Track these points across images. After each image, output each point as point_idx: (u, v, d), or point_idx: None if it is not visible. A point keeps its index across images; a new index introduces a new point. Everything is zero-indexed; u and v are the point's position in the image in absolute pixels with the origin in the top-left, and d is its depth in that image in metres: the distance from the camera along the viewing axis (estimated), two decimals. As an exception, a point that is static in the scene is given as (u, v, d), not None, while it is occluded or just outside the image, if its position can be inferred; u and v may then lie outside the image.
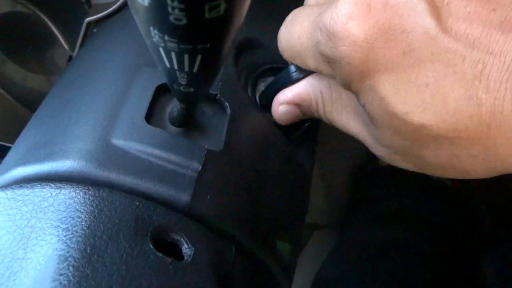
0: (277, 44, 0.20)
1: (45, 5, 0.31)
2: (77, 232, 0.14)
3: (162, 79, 0.19)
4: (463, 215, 0.45)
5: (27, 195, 0.15)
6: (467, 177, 0.16)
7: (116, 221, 0.15)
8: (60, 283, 0.12)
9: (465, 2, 0.14)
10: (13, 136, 0.21)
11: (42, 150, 0.18)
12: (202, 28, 0.11)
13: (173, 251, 0.15)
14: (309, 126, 0.24)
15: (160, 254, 0.14)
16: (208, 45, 0.12)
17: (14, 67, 0.34)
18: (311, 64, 0.18)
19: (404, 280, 0.39)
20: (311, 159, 0.25)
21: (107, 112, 0.18)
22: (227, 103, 0.20)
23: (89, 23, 0.26)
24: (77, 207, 0.15)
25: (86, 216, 0.15)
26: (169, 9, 0.10)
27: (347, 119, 0.19)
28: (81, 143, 0.17)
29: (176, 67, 0.13)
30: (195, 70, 0.13)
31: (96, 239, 0.14)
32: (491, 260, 0.41)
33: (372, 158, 0.49)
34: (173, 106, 0.19)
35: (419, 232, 0.43)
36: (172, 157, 0.17)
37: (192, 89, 0.15)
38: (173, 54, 0.12)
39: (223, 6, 0.10)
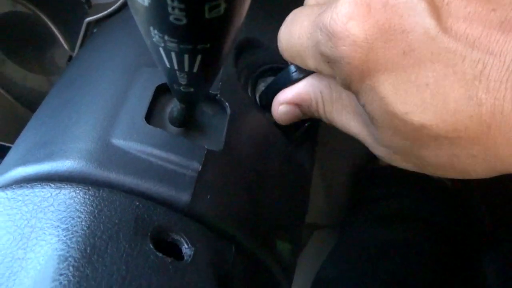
0: (277, 44, 0.20)
1: (45, 5, 0.31)
2: (77, 232, 0.14)
3: (162, 79, 0.19)
4: (463, 215, 0.45)
5: (27, 195, 0.15)
6: (467, 177, 0.16)
7: (116, 221, 0.15)
8: (60, 283, 0.12)
9: (465, 2, 0.14)
10: (13, 136, 0.21)
11: (42, 150, 0.18)
12: (202, 28, 0.11)
13: (173, 251, 0.15)
14: (309, 126, 0.24)
15: (160, 254, 0.14)
16: (208, 45, 0.12)
17: (14, 67, 0.34)
18: (311, 64, 0.18)
19: (404, 280, 0.39)
20: (311, 159, 0.25)
21: (107, 112, 0.18)
22: (227, 103, 0.20)
23: (89, 23, 0.26)
24: (77, 207, 0.15)
25: (86, 216, 0.15)
26: (169, 9, 0.10)
27: (347, 119, 0.19)
28: (81, 143, 0.17)
29: (176, 67, 0.13)
30: (195, 70, 0.13)
31: (96, 239, 0.14)
32: (491, 260, 0.41)
33: (372, 158, 0.49)
34: (173, 106, 0.19)
35: (419, 232, 0.43)
36: (172, 157, 0.17)
37: (192, 89, 0.15)
38: (173, 54, 0.12)
39: (223, 6, 0.10)
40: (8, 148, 0.20)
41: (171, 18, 0.10)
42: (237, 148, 0.20)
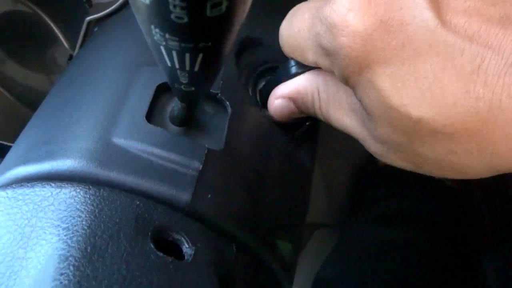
0: (278, 42, 0.20)
1: (45, 4, 0.31)
2: (78, 231, 0.14)
3: (163, 78, 0.19)
4: (463, 215, 0.45)
5: (27, 194, 0.15)
6: (464, 176, 0.16)
7: (117, 220, 0.15)
8: (61, 282, 0.12)
9: None
10: (13, 135, 0.21)
11: (42, 149, 0.18)
12: (203, 26, 0.11)
13: (174, 250, 0.15)
14: (310, 126, 0.24)
15: (161, 254, 0.14)
16: (210, 44, 0.12)
17: (15, 66, 0.34)
18: (310, 57, 0.18)
19: (404, 280, 0.39)
20: (312, 159, 0.25)
21: (107, 111, 0.18)
22: (228, 102, 0.20)
23: (89, 22, 0.26)
24: (78, 206, 0.15)
25: (87, 215, 0.14)
26: (171, 7, 0.10)
27: (343, 116, 0.19)
28: (81, 142, 0.17)
29: (177, 66, 0.13)
30: (196, 69, 0.13)
31: (96, 238, 0.14)
32: (491, 260, 0.41)
33: (372, 158, 0.49)
34: (173, 105, 0.19)
35: (419, 232, 0.43)
36: (173, 156, 0.17)
37: (193, 88, 0.15)
38: (174, 53, 0.12)
39: (224, 4, 0.10)
40: (9, 147, 0.20)
41: (173, 16, 0.10)
42: (237, 147, 0.20)
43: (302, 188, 0.24)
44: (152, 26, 0.11)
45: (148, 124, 0.18)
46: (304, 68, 0.20)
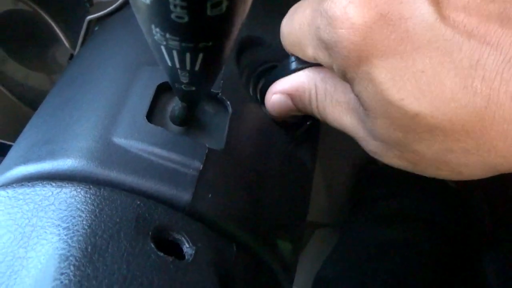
0: (279, 40, 0.20)
1: (46, 3, 0.31)
2: (78, 231, 0.14)
3: (164, 78, 0.19)
4: (464, 215, 0.45)
5: (28, 194, 0.15)
6: (460, 176, 0.16)
7: (117, 220, 0.15)
8: (61, 282, 0.12)
9: None
10: (14, 134, 0.21)
11: (43, 148, 0.18)
12: (204, 26, 0.11)
13: (174, 250, 0.15)
14: (310, 125, 0.24)
15: (161, 253, 0.14)
16: (210, 43, 0.12)
17: (16, 65, 0.34)
18: (309, 52, 0.18)
19: (404, 280, 0.39)
20: (313, 158, 0.25)
21: (108, 111, 0.18)
22: (228, 102, 0.20)
23: (90, 21, 0.26)
24: (78, 206, 0.15)
25: (87, 215, 0.14)
26: (171, 7, 0.10)
27: (340, 114, 0.19)
28: (82, 142, 0.17)
29: (177, 65, 0.13)
30: (196, 68, 0.13)
31: (97, 238, 0.14)
32: (492, 260, 0.41)
33: (372, 158, 0.49)
34: (174, 105, 0.19)
35: (420, 232, 0.43)
36: (173, 156, 0.17)
37: (193, 88, 0.15)
38: (174, 53, 0.12)
39: (225, 4, 0.10)
40: (9, 147, 0.20)
41: (173, 16, 0.10)
42: (238, 147, 0.20)
43: (303, 188, 0.24)
44: (153, 26, 0.11)
45: (149, 124, 0.18)
46: (304, 64, 0.20)
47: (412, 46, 0.14)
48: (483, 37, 0.13)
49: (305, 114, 0.22)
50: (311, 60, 0.18)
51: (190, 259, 0.15)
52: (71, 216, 0.14)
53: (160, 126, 0.18)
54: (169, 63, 0.13)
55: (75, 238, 0.14)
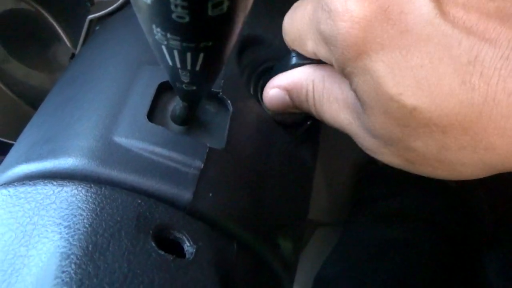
0: (280, 39, 0.20)
1: (47, 2, 0.31)
2: (79, 229, 0.14)
3: (164, 77, 0.19)
4: (464, 214, 0.45)
5: (29, 193, 0.15)
6: (456, 175, 0.16)
7: (118, 219, 0.15)
8: (62, 280, 0.13)
9: None
10: (15, 133, 0.21)
11: (44, 147, 0.18)
12: (205, 26, 0.11)
13: (175, 249, 0.15)
14: (311, 125, 0.24)
15: (162, 252, 0.14)
16: (211, 43, 0.12)
17: (17, 64, 0.34)
18: (309, 46, 0.18)
19: (404, 280, 0.39)
20: (313, 158, 0.25)
21: (109, 110, 0.18)
22: (229, 101, 0.20)
23: (91, 20, 0.26)
24: (79, 204, 0.15)
25: (88, 213, 0.15)
26: (172, 6, 0.10)
27: (337, 111, 0.19)
28: (83, 141, 0.17)
29: (178, 65, 0.13)
30: (197, 68, 0.13)
31: (98, 236, 0.14)
32: (492, 260, 0.41)
33: (373, 158, 0.49)
34: (175, 104, 0.19)
35: (420, 231, 0.42)
36: (174, 155, 0.17)
37: (194, 87, 0.15)
38: (175, 52, 0.12)
39: (226, 4, 0.10)
40: (11, 146, 0.20)
41: (174, 16, 0.10)
42: (239, 146, 0.20)
43: (303, 187, 0.24)
44: (154, 26, 0.11)
45: (150, 123, 0.18)
46: (304, 60, 0.20)
47: (411, 41, 0.14)
48: (482, 34, 0.14)
49: (302, 113, 0.22)
50: (311, 56, 0.18)
51: (191, 258, 0.15)
52: (72, 214, 0.14)
53: (161, 125, 0.18)
54: (170, 63, 0.13)
55: (76, 237, 0.14)
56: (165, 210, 0.16)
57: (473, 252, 0.43)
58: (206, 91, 0.17)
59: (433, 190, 0.46)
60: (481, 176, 0.16)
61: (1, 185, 0.17)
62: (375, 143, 0.17)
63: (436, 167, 0.16)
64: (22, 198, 0.15)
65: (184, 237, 0.16)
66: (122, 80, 0.19)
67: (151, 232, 0.15)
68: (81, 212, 0.15)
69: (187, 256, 0.15)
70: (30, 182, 0.16)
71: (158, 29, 0.11)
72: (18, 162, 0.18)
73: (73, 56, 0.32)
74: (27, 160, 0.17)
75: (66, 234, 0.14)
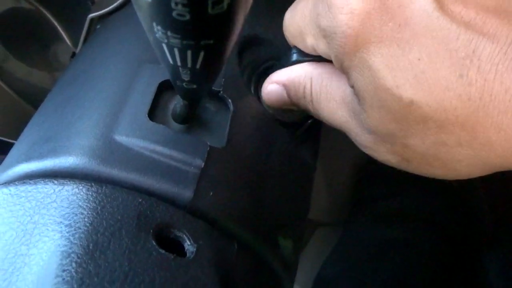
0: (281, 38, 0.20)
1: (48, 1, 0.31)
2: (80, 228, 0.14)
3: (165, 76, 0.19)
4: (464, 214, 0.45)
5: (30, 191, 0.15)
6: (453, 173, 0.16)
7: (119, 217, 0.15)
8: (63, 279, 0.13)
9: None
10: (16, 132, 0.21)
11: (45, 146, 0.18)
12: (205, 24, 0.11)
13: (176, 248, 0.15)
14: (312, 124, 0.24)
15: (163, 251, 0.14)
16: (211, 41, 0.12)
17: (18, 63, 0.34)
18: (309, 41, 0.18)
19: (404, 280, 0.39)
20: (314, 157, 0.25)
21: (110, 109, 0.18)
22: (230, 100, 0.20)
23: (92, 19, 0.26)
24: (80, 203, 0.15)
25: (89, 212, 0.15)
26: (172, 5, 0.10)
27: (334, 109, 0.18)
28: (84, 140, 0.17)
29: (179, 63, 0.13)
30: (198, 66, 0.13)
31: (98, 235, 0.14)
32: (492, 260, 0.41)
33: (373, 158, 0.49)
34: (176, 103, 0.19)
35: (420, 231, 0.42)
36: (175, 153, 0.17)
37: (195, 86, 0.15)
38: (176, 50, 0.12)
39: (226, 2, 0.10)
40: (11, 144, 0.20)
41: (174, 14, 0.10)
42: (239, 145, 0.20)
43: (304, 187, 0.24)
44: (154, 24, 0.11)
45: (150, 122, 0.18)
46: (304, 57, 0.20)
47: (409, 34, 0.14)
48: (481, 29, 0.14)
49: (302, 111, 0.22)
50: (311, 51, 0.18)
51: (191, 256, 0.15)
52: (73, 213, 0.14)
53: (161, 124, 0.18)
54: (171, 61, 0.13)
55: (77, 235, 0.14)
56: (166, 209, 0.16)
57: (473, 252, 0.43)
58: (207, 90, 0.17)
59: (433, 190, 0.46)
60: (479, 175, 0.16)
61: (2, 184, 0.17)
62: (372, 141, 0.17)
63: (432, 165, 0.16)
64: (23, 197, 0.15)
65: (184, 236, 0.16)
66: (122, 78, 0.19)
67: (151, 231, 0.15)
68: (82, 211, 0.15)
69: (187, 255, 0.15)
70: (31, 181, 0.16)
71: (159, 27, 0.11)
72: (19, 161, 0.18)
73: (73, 55, 0.32)
74: (28, 159, 0.17)
75: (67, 232, 0.14)
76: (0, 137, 0.31)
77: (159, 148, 0.17)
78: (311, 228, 0.54)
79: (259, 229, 0.19)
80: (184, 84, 0.15)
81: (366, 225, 0.45)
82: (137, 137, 0.17)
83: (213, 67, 0.14)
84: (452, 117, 0.14)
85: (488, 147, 0.14)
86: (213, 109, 0.21)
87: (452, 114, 0.14)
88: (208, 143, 0.18)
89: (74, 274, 0.13)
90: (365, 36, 0.15)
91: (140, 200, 0.16)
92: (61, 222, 0.14)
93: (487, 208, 0.45)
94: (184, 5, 0.10)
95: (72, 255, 0.13)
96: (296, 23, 0.18)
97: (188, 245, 0.15)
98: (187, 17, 0.11)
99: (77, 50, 0.30)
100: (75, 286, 0.12)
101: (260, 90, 0.24)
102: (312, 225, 0.54)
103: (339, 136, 0.20)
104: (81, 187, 0.15)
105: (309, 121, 0.24)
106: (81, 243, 0.14)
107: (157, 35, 0.12)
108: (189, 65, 0.13)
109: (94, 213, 0.15)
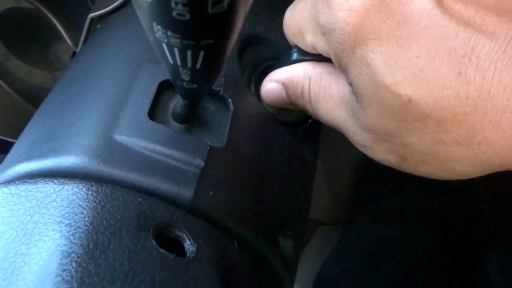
0: (281, 38, 0.20)
1: (48, 1, 0.31)
2: (80, 228, 0.14)
3: (165, 75, 0.19)
4: (465, 214, 0.45)
5: (30, 191, 0.15)
6: (450, 173, 0.16)
7: (119, 217, 0.15)
8: (63, 278, 0.13)
9: None
10: (16, 132, 0.21)
11: (45, 145, 0.18)
12: (205, 23, 0.11)
13: (176, 247, 0.15)
14: (312, 124, 0.24)
15: (163, 250, 0.14)
16: (211, 41, 0.12)
17: (18, 63, 0.34)
18: (308, 39, 0.18)
19: (405, 279, 0.39)
20: (314, 157, 0.25)
21: (110, 108, 0.18)
22: (230, 99, 0.20)
23: (92, 19, 0.26)
24: (80, 203, 0.15)
25: (89, 212, 0.15)
26: (172, 4, 0.10)
27: (332, 108, 0.18)
28: (84, 139, 0.17)
29: (179, 63, 0.13)
30: (198, 66, 0.13)
31: (99, 235, 0.14)
32: (493, 259, 0.41)
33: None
34: (176, 102, 0.19)
35: (421, 230, 0.42)
36: (175, 153, 0.18)
37: (195, 85, 0.15)
38: (176, 50, 0.12)
39: (226, 2, 0.10)
40: (12, 144, 0.20)
41: (174, 13, 0.10)
42: (240, 144, 0.20)
43: (304, 186, 0.24)
44: (154, 24, 0.11)
45: (150, 121, 0.18)
46: (304, 56, 0.20)
47: (408, 31, 0.14)
48: (480, 26, 0.14)
49: (301, 111, 0.22)
50: (311, 50, 0.18)
51: (192, 256, 0.15)
52: (73, 213, 0.14)
53: (161, 123, 0.18)
54: (171, 61, 0.13)
55: (77, 235, 0.14)
56: (166, 208, 0.16)
57: (473, 252, 0.43)
58: (207, 89, 0.17)
59: (433, 190, 0.46)
60: (477, 175, 0.16)
61: (2, 183, 0.17)
62: (370, 140, 0.17)
63: (430, 164, 0.16)
64: (23, 196, 0.15)
65: (184, 235, 0.16)
66: (123, 78, 0.19)
67: (151, 230, 0.15)
68: (82, 211, 0.15)
69: (187, 254, 0.15)
70: (31, 181, 0.16)
71: (159, 27, 0.11)
72: (19, 161, 0.18)
73: (74, 54, 0.32)
74: (28, 158, 0.17)
75: (67, 232, 0.14)
76: (1, 137, 0.31)
77: (159, 147, 0.17)
78: (311, 227, 0.54)
79: (259, 228, 0.19)
80: (184, 83, 0.15)
81: (366, 225, 0.45)
82: (137, 136, 0.17)
83: (213, 67, 0.14)
84: (450, 115, 0.14)
85: (485, 145, 0.14)
86: (213, 108, 0.21)
87: (450, 112, 0.14)
88: (208, 143, 0.18)
89: (74, 273, 0.13)
90: (364, 33, 0.15)
91: (140, 199, 0.16)
92: (61, 221, 0.14)
93: (487, 208, 0.45)
94: (184, 5, 0.10)
95: (72, 254, 0.13)
96: (296, 21, 0.18)
97: (188, 245, 0.15)
98: (187, 16, 0.11)
99: (78, 50, 0.30)
100: (75, 285, 0.12)
101: (260, 89, 0.24)
102: (312, 224, 0.54)
103: (339, 136, 0.20)
104: (81, 187, 0.15)
105: (309, 121, 0.24)
106: (81, 242, 0.14)
107: (157, 34, 0.12)
108: (189, 64, 0.13)
109: (94, 213, 0.15)
